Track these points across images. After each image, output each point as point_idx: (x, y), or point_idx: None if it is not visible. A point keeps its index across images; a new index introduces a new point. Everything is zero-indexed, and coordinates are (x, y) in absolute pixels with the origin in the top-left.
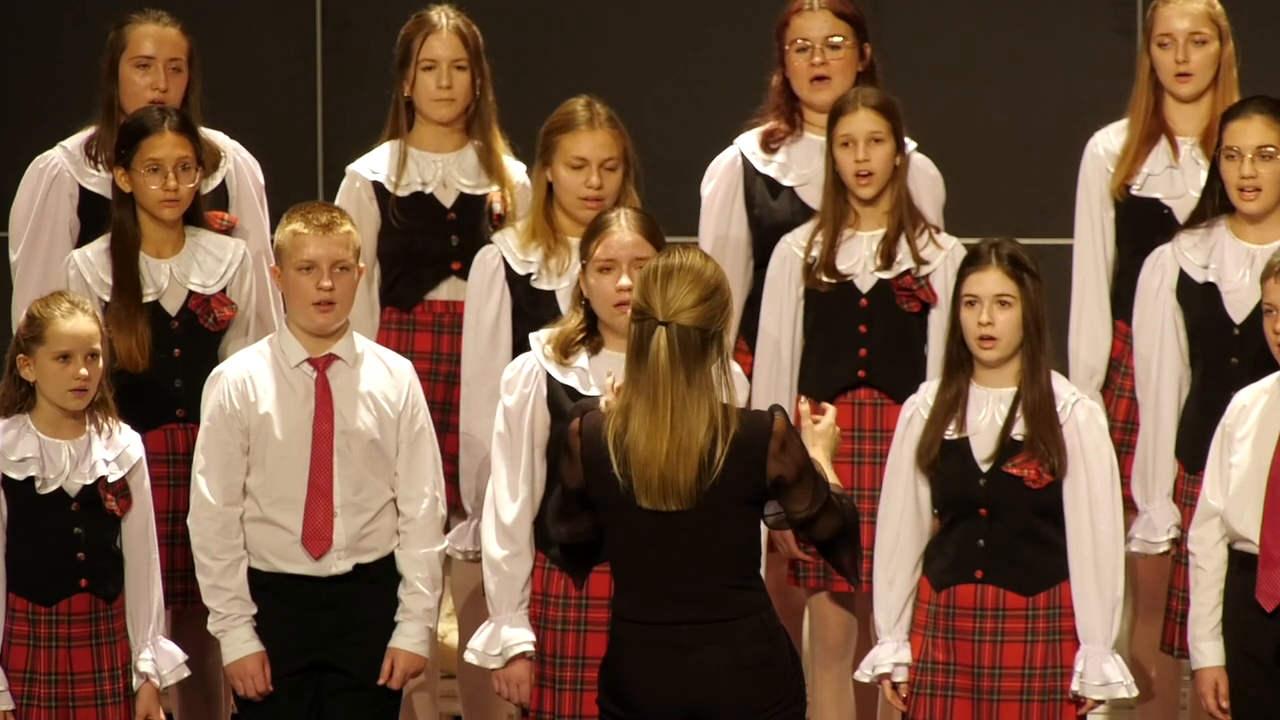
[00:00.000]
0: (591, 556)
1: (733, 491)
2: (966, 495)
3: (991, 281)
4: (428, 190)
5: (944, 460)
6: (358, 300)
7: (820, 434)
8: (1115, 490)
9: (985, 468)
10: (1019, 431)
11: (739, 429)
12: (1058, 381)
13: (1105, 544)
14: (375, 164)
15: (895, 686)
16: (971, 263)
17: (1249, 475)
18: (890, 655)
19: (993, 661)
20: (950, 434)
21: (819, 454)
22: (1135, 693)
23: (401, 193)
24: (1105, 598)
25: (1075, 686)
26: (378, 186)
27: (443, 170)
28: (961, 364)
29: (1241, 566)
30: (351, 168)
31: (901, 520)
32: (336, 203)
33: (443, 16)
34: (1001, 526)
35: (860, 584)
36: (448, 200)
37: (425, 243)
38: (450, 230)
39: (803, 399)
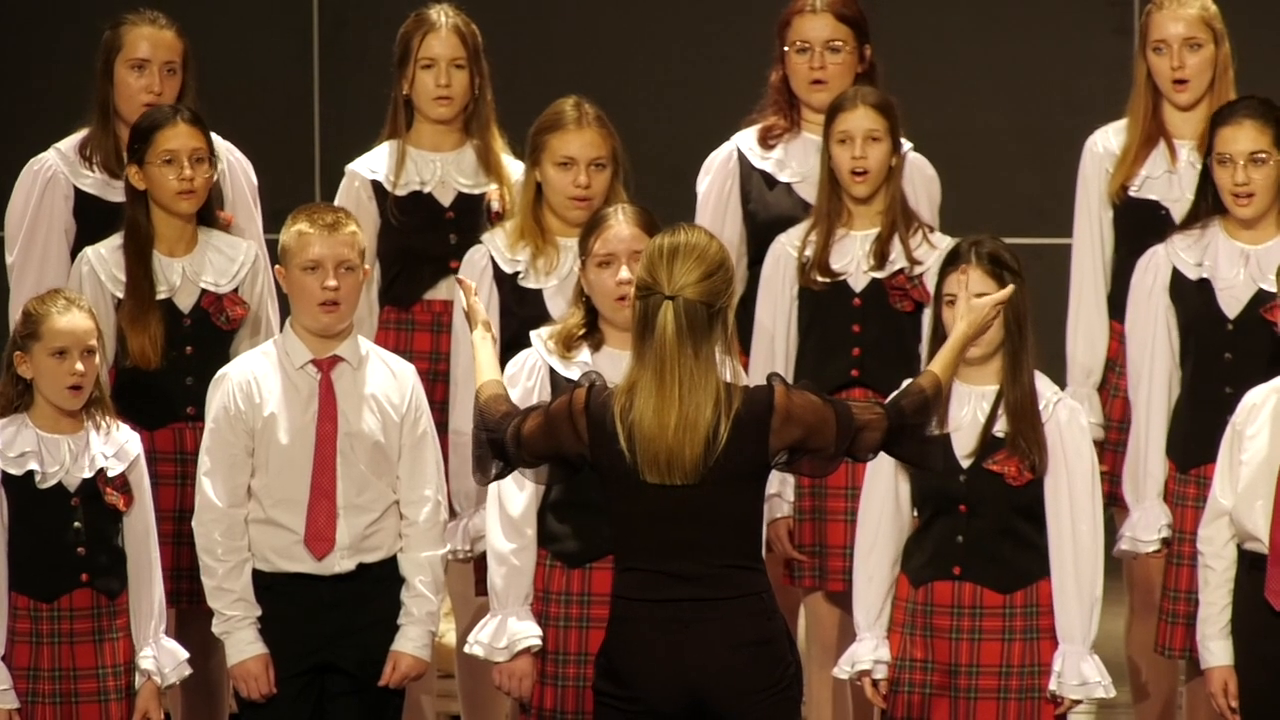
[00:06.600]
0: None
1: (736, 468)
2: (947, 491)
3: (972, 281)
4: (426, 189)
5: None
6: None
7: (969, 310)
8: (1096, 490)
9: (966, 464)
10: (1000, 429)
11: (740, 406)
12: (1040, 380)
13: (1085, 543)
14: (374, 163)
15: (875, 684)
16: (951, 262)
17: (1259, 474)
18: (870, 652)
19: (970, 659)
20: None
21: (955, 335)
22: (1113, 693)
23: (400, 192)
24: (1084, 597)
25: (1053, 686)
26: (376, 185)
27: (441, 169)
28: None
29: (1251, 567)
30: (350, 167)
31: (881, 516)
32: (335, 203)
33: (442, 15)
34: (980, 523)
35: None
36: (446, 199)
37: (424, 241)
38: (449, 229)
39: (965, 271)
